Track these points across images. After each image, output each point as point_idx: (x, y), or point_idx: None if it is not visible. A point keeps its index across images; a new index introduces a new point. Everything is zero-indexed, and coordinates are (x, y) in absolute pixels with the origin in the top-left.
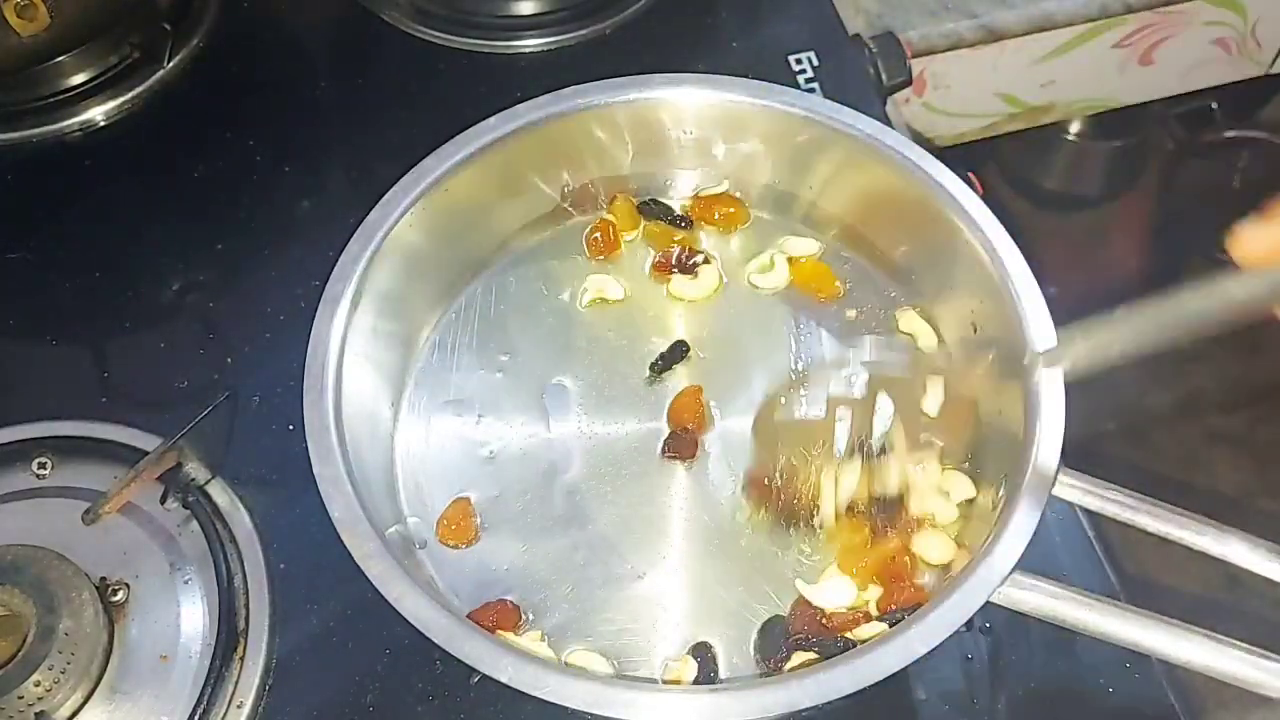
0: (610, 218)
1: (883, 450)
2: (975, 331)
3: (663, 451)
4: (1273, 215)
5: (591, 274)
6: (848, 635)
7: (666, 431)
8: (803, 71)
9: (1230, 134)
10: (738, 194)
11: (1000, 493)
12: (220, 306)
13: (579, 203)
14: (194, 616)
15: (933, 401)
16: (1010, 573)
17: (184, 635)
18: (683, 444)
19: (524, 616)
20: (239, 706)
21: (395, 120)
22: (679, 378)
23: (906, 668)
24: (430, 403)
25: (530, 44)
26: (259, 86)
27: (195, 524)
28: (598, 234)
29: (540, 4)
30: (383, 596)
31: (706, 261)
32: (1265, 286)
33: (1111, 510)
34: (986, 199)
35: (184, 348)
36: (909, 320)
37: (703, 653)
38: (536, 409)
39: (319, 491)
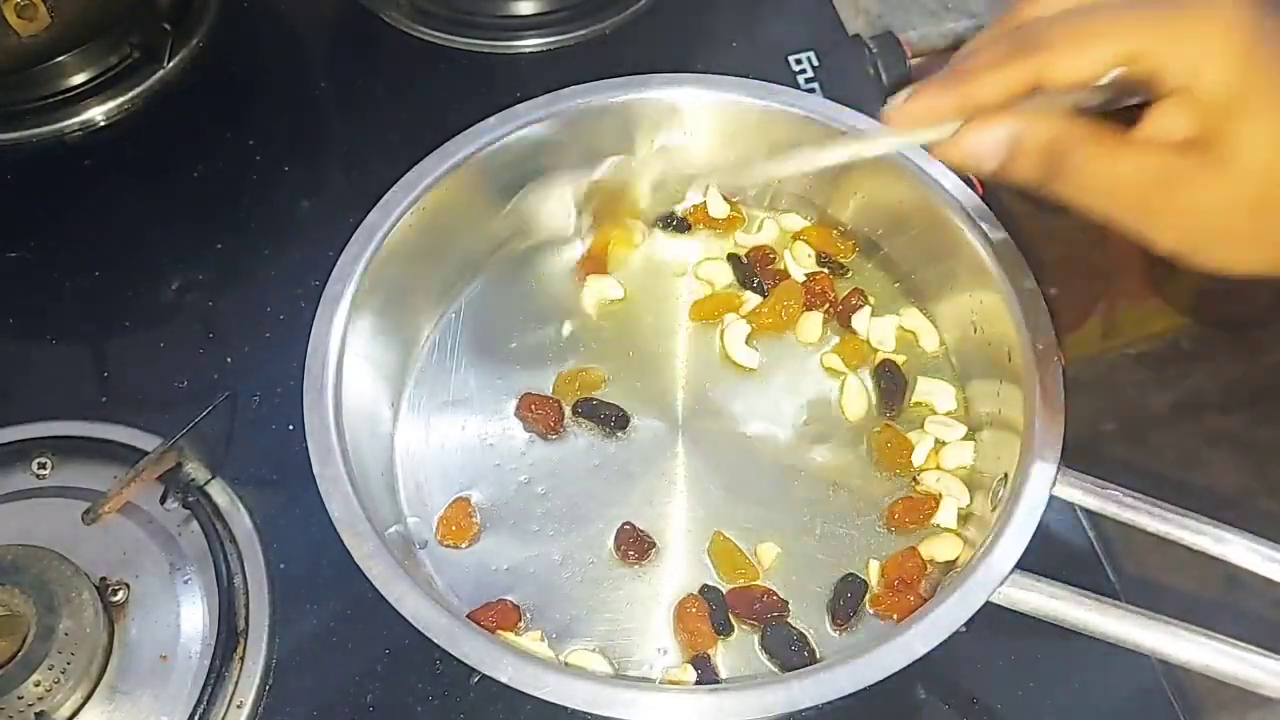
0: (608, 237)
1: None
2: (975, 331)
3: None
4: (919, 94)
5: (591, 274)
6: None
7: (665, 428)
8: (803, 71)
9: None
10: (736, 197)
11: (1000, 493)
12: (220, 306)
13: (579, 203)
14: (194, 616)
15: None
16: (1010, 573)
17: (184, 635)
18: None
19: (524, 616)
20: (239, 706)
21: (395, 120)
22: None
23: (906, 668)
24: (430, 403)
25: (530, 44)
26: (259, 86)
27: (195, 524)
28: (590, 253)
29: (540, 4)
30: (383, 596)
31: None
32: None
33: (1111, 510)
34: (986, 199)
35: (184, 348)
36: (910, 318)
37: (703, 662)
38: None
39: (319, 491)
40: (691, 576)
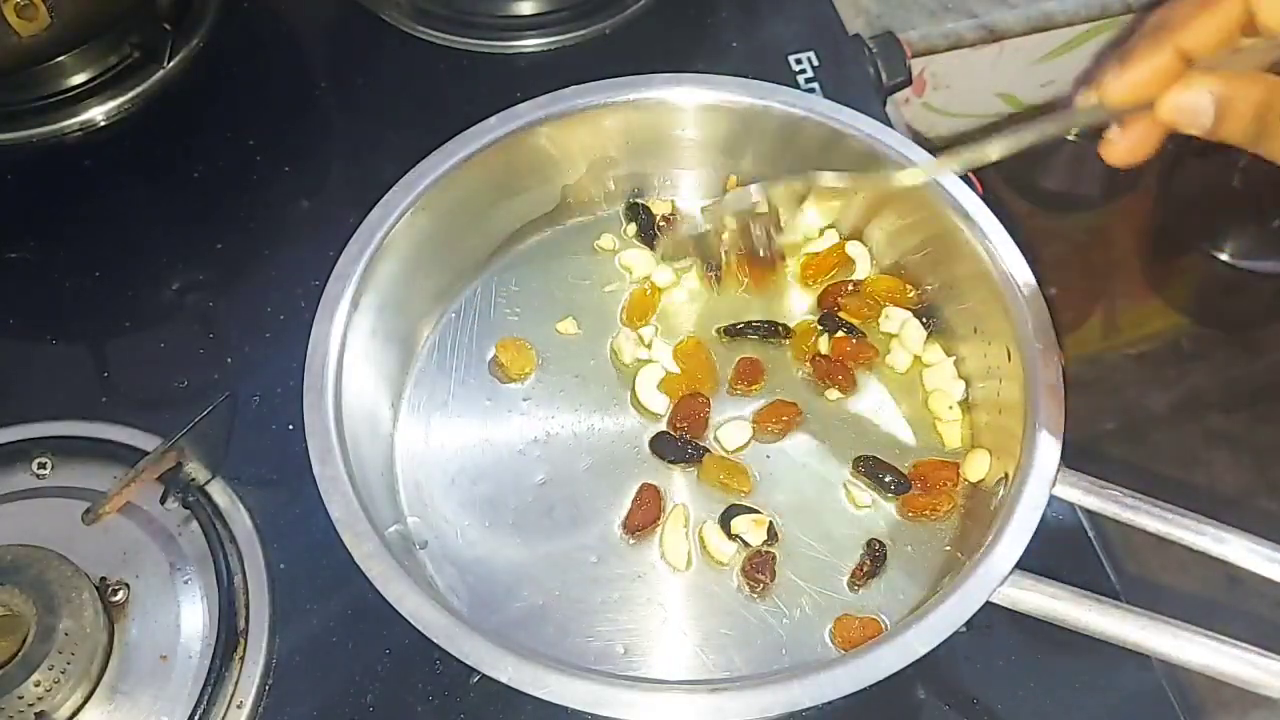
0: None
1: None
2: (975, 332)
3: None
4: (1131, 61)
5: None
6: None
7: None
8: (803, 71)
9: None
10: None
11: (1000, 493)
12: (220, 306)
13: (579, 203)
14: (194, 616)
15: None
16: (1010, 573)
17: (184, 635)
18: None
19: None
20: (239, 706)
21: (395, 120)
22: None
23: (906, 668)
24: (430, 403)
25: (530, 44)
26: (259, 86)
27: (195, 524)
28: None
29: (540, 4)
30: (383, 596)
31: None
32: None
33: (1111, 510)
34: (986, 199)
35: (184, 348)
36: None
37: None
38: (536, 408)
39: (319, 491)
40: (691, 575)
